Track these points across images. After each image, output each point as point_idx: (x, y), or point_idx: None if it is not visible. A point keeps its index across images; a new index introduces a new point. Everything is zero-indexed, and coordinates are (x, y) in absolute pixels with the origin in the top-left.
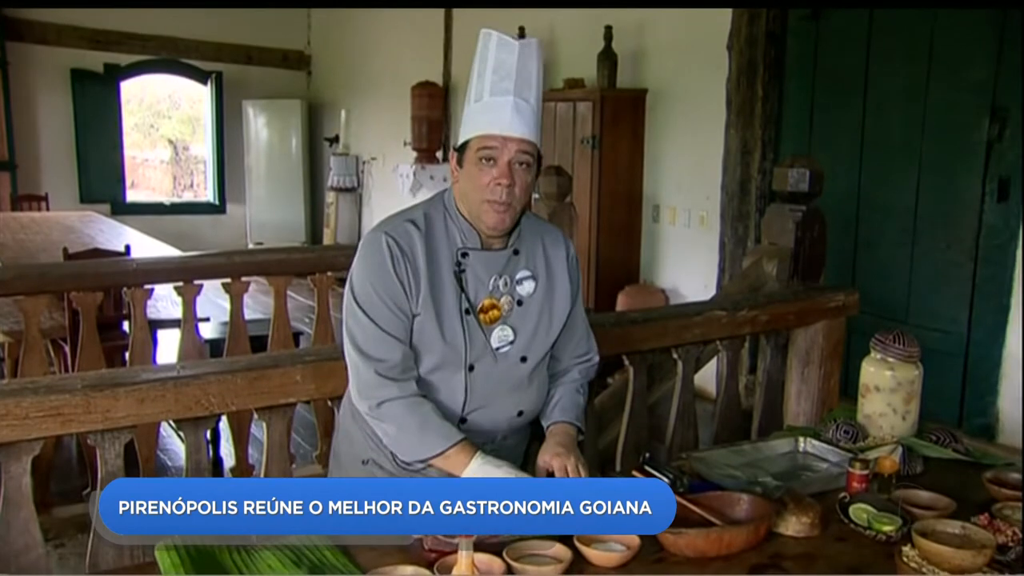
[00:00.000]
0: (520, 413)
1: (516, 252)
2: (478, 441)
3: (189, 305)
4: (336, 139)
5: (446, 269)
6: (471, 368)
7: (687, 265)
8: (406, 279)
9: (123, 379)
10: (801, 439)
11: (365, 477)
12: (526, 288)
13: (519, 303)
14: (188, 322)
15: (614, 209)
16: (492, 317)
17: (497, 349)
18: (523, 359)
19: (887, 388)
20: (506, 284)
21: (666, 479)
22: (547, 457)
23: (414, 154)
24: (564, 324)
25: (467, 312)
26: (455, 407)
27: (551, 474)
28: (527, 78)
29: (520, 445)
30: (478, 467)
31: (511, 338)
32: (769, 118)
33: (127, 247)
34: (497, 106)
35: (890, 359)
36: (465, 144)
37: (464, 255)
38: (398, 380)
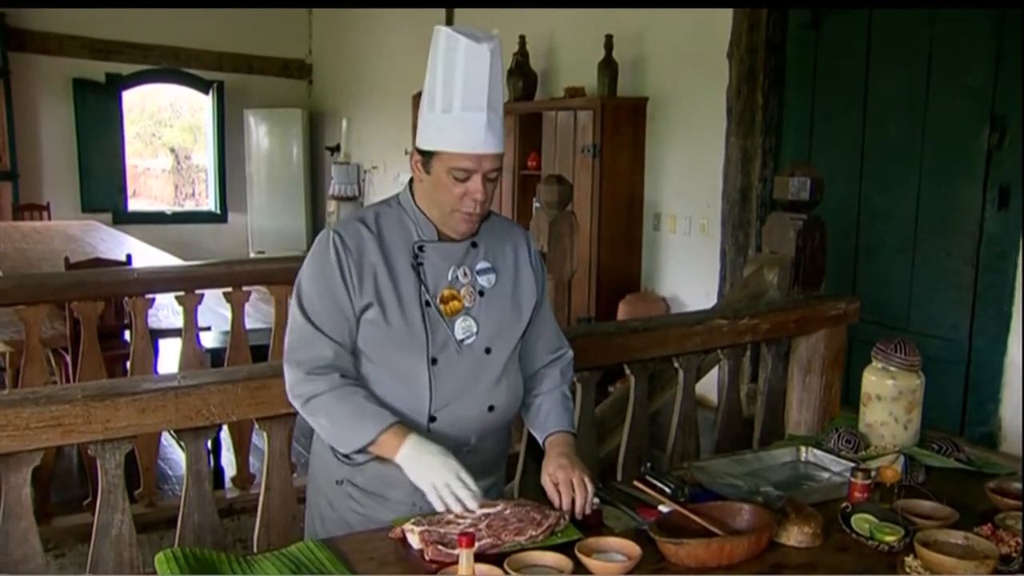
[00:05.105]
0: (491, 408)
1: (474, 245)
2: (451, 444)
3: (190, 314)
4: (337, 148)
5: (403, 263)
6: (434, 361)
7: (688, 273)
8: (349, 276)
9: (124, 389)
10: (802, 448)
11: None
12: (487, 280)
13: (481, 294)
14: (189, 331)
15: (615, 217)
16: (453, 308)
17: (461, 341)
18: (487, 351)
19: (888, 397)
20: (466, 275)
21: (667, 488)
22: (551, 470)
23: None
24: (532, 318)
25: (427, 304)
26: (422, 405)
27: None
28: (496, 87)
29: (497, 449)
30: (411, 448)
31: (474, 329)
32: (769, 126)
33: (128, 256)
34: (470, 122)
35: (891, 368)
36: (433, 153)
37: (421, 248)
38: (326, 375)
